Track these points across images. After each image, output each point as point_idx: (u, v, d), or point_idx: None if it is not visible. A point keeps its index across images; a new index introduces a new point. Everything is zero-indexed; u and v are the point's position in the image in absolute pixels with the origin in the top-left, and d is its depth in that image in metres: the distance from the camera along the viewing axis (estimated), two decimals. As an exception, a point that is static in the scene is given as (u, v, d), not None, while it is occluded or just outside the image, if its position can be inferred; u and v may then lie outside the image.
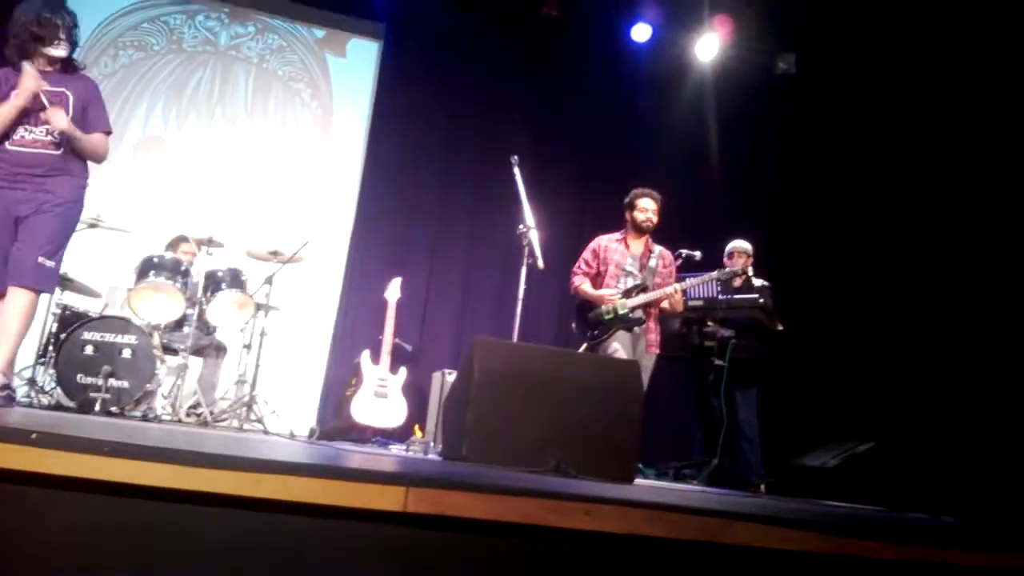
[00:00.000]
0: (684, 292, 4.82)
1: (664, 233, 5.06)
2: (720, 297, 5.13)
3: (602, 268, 4.89)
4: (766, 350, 5.27)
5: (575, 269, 4.96)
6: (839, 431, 5.52)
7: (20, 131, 3.50)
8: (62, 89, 3.63)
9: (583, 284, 4.89)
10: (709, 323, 5.22)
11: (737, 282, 5.27)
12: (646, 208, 4.87)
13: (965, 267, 5.46)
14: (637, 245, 4.93)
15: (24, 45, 3.54)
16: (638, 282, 4.81)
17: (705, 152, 7.10)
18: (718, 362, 5.03)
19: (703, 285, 5.12)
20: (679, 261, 5.01)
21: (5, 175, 3.45)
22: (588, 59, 7.17)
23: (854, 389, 5.92)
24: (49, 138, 3.54)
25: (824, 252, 6.55)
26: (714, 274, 4.91)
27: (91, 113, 3.66)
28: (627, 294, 4.76)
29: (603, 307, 4.72)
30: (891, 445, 4.95)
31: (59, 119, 3.46)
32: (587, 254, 4.98)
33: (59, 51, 3.61)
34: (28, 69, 3.48)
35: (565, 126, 7.20)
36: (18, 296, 3.41)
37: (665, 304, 4.78)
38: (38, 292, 3.51)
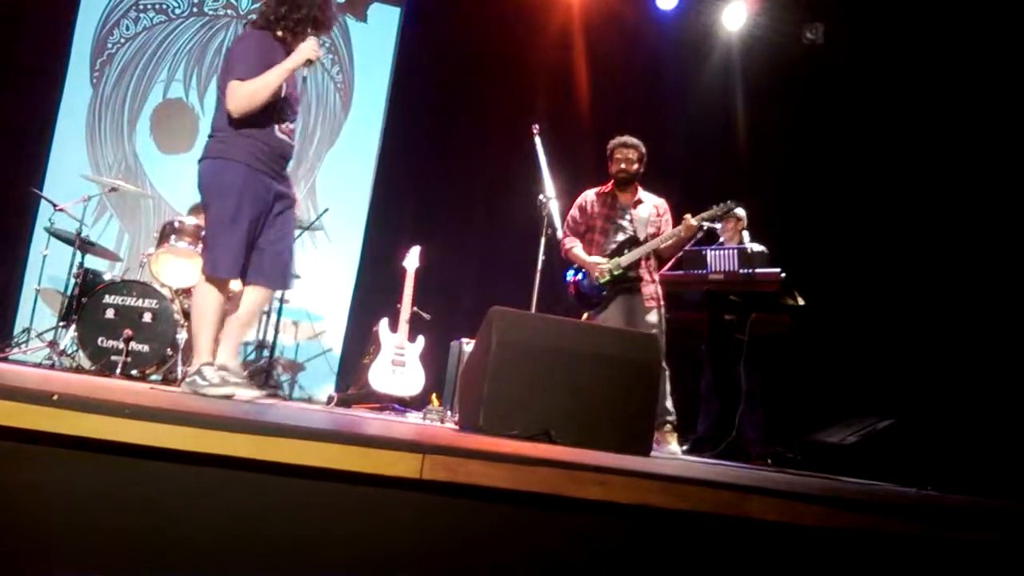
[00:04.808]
0: (699, 226, 4.52)
1: (687, 203, 4.98)
2: (741, 271, 5.08)
3: (591, 223, 4.67)
4: (785, 324, 5.22)
5: (564, 230, 4.63)
6: (859, 407, 5.47)
7: (286, 119, 3.27)
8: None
9: (575, 247, 4.64)
10: (730, 297, 5.18)
11: (732, 240, 5.21)
12: (619, 159, 4.62)
13: (993, 240, 5.35)
14: (625, 195, 4.69)
15: (300, 23, 3.21)
16: (628, 235, 4.59)
17: (730, 122, 7.01)
18: (739, 336, 4.99)
19: (723, 260, 5.05)
20: (700, 234, 4.91)
21: (268, 162, 3.20)
22: (613, 26, 7.06)
23: (875, 364, 5.86)
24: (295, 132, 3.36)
25: (848, 224, 6.46)
26: (706, 219, 4.55)
27: None
28: (618, 252, 4.55)
29: (596, 274, 4.51)
30: (914, 422, 4.90)
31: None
32: (574, 211, 4.73)
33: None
34: (313, 39, 3.20)
35: (588, 94, 7.10)
36: (267, 294, 3.32)
37: (680, 231, 4.50)
38: None
